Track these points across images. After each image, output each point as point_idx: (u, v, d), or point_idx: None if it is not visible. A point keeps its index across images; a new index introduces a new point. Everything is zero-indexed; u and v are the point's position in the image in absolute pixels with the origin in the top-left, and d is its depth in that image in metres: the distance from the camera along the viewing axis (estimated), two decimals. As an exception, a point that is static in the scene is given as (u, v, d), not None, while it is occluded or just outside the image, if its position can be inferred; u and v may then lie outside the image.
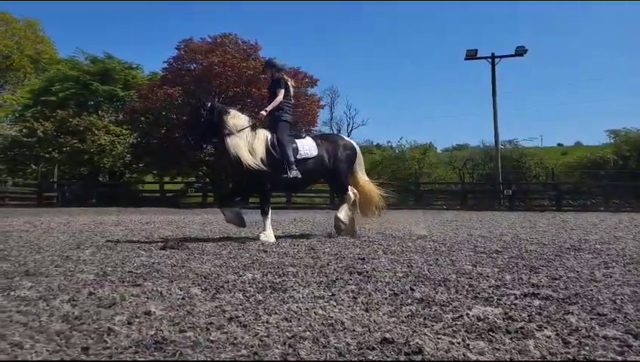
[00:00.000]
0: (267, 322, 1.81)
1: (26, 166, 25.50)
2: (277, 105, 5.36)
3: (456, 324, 1.82)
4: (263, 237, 4.88)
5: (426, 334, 1.68)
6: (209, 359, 1.41)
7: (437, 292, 2.38)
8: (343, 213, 5.45)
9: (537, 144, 43.32)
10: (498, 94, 22.59)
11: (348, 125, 77.43)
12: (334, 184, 5.90)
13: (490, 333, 1.71)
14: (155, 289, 2.40)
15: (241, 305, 2.09)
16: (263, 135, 5.20)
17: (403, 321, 1.86)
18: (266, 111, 5.34)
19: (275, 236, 5.07)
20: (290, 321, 1.83)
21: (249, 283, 2.60)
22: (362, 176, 5.85)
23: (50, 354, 1.43)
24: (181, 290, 2.38)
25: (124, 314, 1.89)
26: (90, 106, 26.11)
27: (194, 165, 24.95)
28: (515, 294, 2.36)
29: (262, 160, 5.00)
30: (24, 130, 24.76)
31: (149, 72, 29.55)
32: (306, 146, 5.38)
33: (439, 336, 1.67)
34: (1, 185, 20.79)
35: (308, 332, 1.67)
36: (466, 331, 1.74)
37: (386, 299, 2.25)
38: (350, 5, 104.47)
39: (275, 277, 2.79)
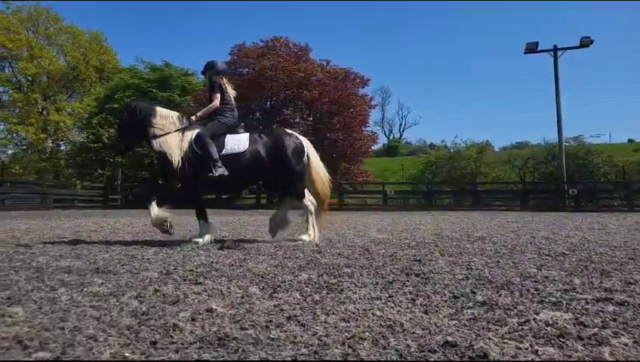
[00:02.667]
0: (325, 322, 1.81)
1: (93, 170, 27.23)
2: (214, 110, 5.11)
3: (522, 329, 1.74)
4: (200, 241, 4.70)
5: (490, 338, 1.61)
6: (270, 356, 1.43)
7: (500, 296, 2.28)
8: (306, 237, 4.87)
9: (605, 140, 40.59)
10: (561, 88, 21.43)
11: (400, 125, 76.52)
12: (285, 184, 5.19)
13: (561, 339, 1.61)
14: (215, 287, 2.47)
15: (298, 304, 2.10)
16: (191, 134, 4.92)
17: (465, 324, 1.80)
18: (196, 116, 5.11)
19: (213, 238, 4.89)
20: (349, 322, 1.82)
21: (305, 283, 2.61)
22: (315, 173, 5.19)
23: (122, 346, 1.51)
24: (240, 289, 2.43)
25: (187, 310, 1.96)
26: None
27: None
28: (585, 299, 2.22)
29: (187, 159, 4.78)
30: (91, 136, 26.48)
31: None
32: (235, 142, 4.94)
33: (505, 341, 1.59)
34: (70, 188, 22.30)
35: (367, 333, 1.66)
36: (533, 336, 1.65)
37: (445, 301, 2.18)
38: (401, 3, 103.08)
39: (331, 277, 2.79)
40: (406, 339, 1.60)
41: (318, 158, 5.29)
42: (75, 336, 1.61)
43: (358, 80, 26.01)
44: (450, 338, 1.58)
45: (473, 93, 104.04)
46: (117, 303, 2.11)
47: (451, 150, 30.01)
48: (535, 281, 2.68)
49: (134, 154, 23.94)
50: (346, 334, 1.65)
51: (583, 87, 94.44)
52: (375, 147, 30.89)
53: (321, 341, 1.57)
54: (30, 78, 33.36)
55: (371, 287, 2.50)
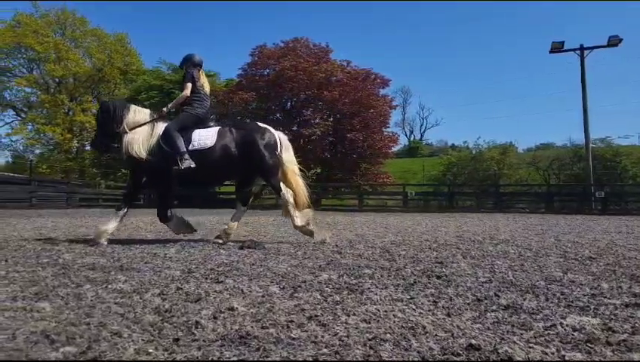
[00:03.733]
0: (346, 322, 1.80)
1: (117, 170, 27.76)
2: (184, 100, 5.06)
3: (548, 334, 1.70)
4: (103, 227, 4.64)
5: (515, 342, 1.58)
6: (291, 355, 1.43)
7: (525, 300, 2.24)
8: (298, 220, 4.83)
9: (634, 142, 39.36)
10: (588, 88, 20.92)
11: (421, 125, 75.86)
12: (251, 180, 5.13)
13: (589, 345, 1.57)
14: (236, 286, 2.48)
15: (319, 304, 2.10)
16: (160, 128, 4.88)
17: (489, 328, 1.76)
18: (167, 107, 5.12)
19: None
20: (370, 323, 1.80)
21: (325, 283, 2.61)
22: (289, 170, 4.99)
23: (146, 343, 1.53)
24: (260, 288, 2.44)
25: (209, 308, 1.98)
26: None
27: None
28: (614, 304, 2.16)
29: (153, 153, 4.74)
30: (115, 137, 26.97)
31: (225, 78, 31.02)
32: (203, 136, 4.82)
33: (530, 345, 1.56)
34: (95, 187, 22.78)
35: (388, 335, 1.64)
36: (560, 341, 1.61)
37: (468, 304, 2.15)
38: (422, 3, 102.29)
39: (351, 278, 2.78)
40: (428, 342, 1.58)
41: (293, 155, 5.12)
42: (100, 332, 1.64)
43: (378, 80, 25.92)
44: (473, 342, 1.55)
45: (497, 94, 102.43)
46: (140, 300, 2.14)
47: (473, 151, 29.62)
48: (561, 285, 2.62)
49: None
50: (368, 335, 1.64)
51: (611, 87, 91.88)
52: (395, 148, 30.69)
53: (342, 341, 1.56)
54: (57, 80, 34.23)
55: (392, 289, 2.48)
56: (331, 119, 25.53)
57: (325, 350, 1.48)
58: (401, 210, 19.24)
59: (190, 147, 4.72)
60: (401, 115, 72.43)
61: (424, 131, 74.90)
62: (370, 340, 1.58)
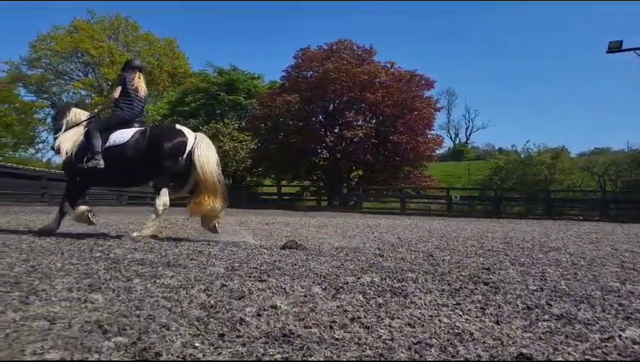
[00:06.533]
0: (390, 326, 1.77)
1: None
2: (113, 103, 5.13)
3: (606, 346, 1.60)
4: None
5: (570, 354, 1.50)
6: (335, 356, 1.42)
7: (579, 310, 2.12)
8: (145, 231, 4.70)
9: (700, 147, 36.70)
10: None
11: (466, 128, 73.99)
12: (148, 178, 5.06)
13: (652, 361, 1.46)
14: (278, 285, 2.50)
15: (362, 306, 2.07)
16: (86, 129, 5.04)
17: (541, 338, 1.68)
18: (98, 109, 5.42)
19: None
20: (414, 327, 1.76)
21: (368, 285, 2.58)
22: (202, 175, 4.78)
23: (192, 337, 1.56)
24: (303, 288, 2.44)
25: (253, 306, 2.00)
26: (217, 115, 28.65)
27: (309, 169, 25.90)
28: (680, 318, 2.01)
29: (74, 152, 4.88)
30: (162, 138, 27.96)
31: (268, 81, 31.53)
32: (119, 135, 4.84)
33: (587, 357, 1.47)
34: (143, 186, 23.64)
35: (434, 340, 1.59)
36: (619, 354, 1.52)
37: (518, 312, 2.06)
38: (468, 4, 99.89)
39: (394, 281, 2.73)
40: (476, 349, 1.52)
41: (212, 161, 4.88)
42: (150, 324, 1.69)
43: (423, 82, 25.52)
44: (524, 351, 1.49)
45: (548, 96, 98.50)
46: (187, 295, 2.19)
47: (522, 155, 28.55)
48: (618, 296, 2.47)
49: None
50: (412, 339, 1.60)
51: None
52: (439, 151, 30.09)
53: (386, 344, 1.54)
54: (110, 83, 35.91)
55: (437, 294, 2.41)
56: (374, 121, 25.38)
57: (369, 352, 1.46)
58: (445, 215, 18.83)
59: (106, 145, 4.82)
60: (446, 118, 71.03)
61: (470, 134, 73.09)
62: (415, 344, 1.54)
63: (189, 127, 5.39)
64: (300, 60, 25.92)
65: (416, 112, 24.16)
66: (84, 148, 4.84)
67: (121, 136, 4.86)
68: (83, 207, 5.03)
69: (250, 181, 28.77)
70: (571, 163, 28.40)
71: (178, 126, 5.27)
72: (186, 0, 77.62)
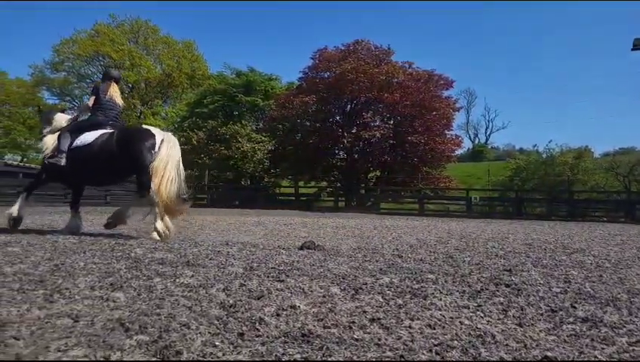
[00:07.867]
0: (410, 327, 1.75)
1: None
2: (88, 110, 5.56)
3: (634, 349, 1.56)
4: (7, 211, 5.31)
5: (596, 357, 1.46)
6: (355, 356, 1.40)
7: (605, 313, 2.07)
8: (159, 224, 4.84)
9: None
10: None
11: (486, 128, 73.00)
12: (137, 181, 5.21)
13: (684, 366, 1.41)
14: (297, 285, 2.50)
15: (381, 307, 2.06)
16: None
17: (565, 340, 1.64)
18: (74, 115, 5.75)
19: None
20: (435, 328, 1.74)
21: (387, 286, 2.55)
22: (164, 173, 4.86)
23: (212, 335, 1.57)
24: (321, 288, 2.44)
25: (272, 306, 2.00)
26: (235, 116, 28.85)
27: (327, 170, 25.89)
28: None
29: (48, 151, 5.31)
30: (182, 139, 28.30)
31: (286, 82, 31.62)
32: (87, 136, 5.13)
33: (614, 361, 1.43)
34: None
35: (455, 342, 1.57)
36: (649, 359, 1.47)
37: (541, 314, 2.02)
38: (489, 3, 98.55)
39: (414, 282, 2.70)
40: (499, 351, 1.49)
41: (174, 160, 4.99)
42: (170, 323, 1.70)
43: (442, 82, 25.26)
44: (549, 354, 1.45)
45: (570, 95, 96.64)
46: (206, 294, 2.21)
47: (544, 155, 27.99)
48: (647, 299, 2.39)
49: (219, 156, 25.22)
50: (433, 341, 1.58)
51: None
52: (458, 152, 29.73)
53: (406, 345, 1.52)
54: (130, 85, 36.55)
55: (457, 295, 2.38)
56: (392, 121, 25.23)
57: (389, 353, 1.44)
58: (464, 216, 18.59)
59: (73, 145, 5.15)
60: (466, 118, 70.16)
61: (490, 134, 72.06)
62: (435, 346, 1.52)
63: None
64: (317, 61, 25.91)
65: (434, 112, 23.91)
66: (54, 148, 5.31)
67: (86, 137, 5.16)
68: (14, 210, 5.36)
69: (267, 182, 28.89)
70: (595, 163, 27.72)
71: (145, 126, 5.69)
72: (203, 0, 78.49)
